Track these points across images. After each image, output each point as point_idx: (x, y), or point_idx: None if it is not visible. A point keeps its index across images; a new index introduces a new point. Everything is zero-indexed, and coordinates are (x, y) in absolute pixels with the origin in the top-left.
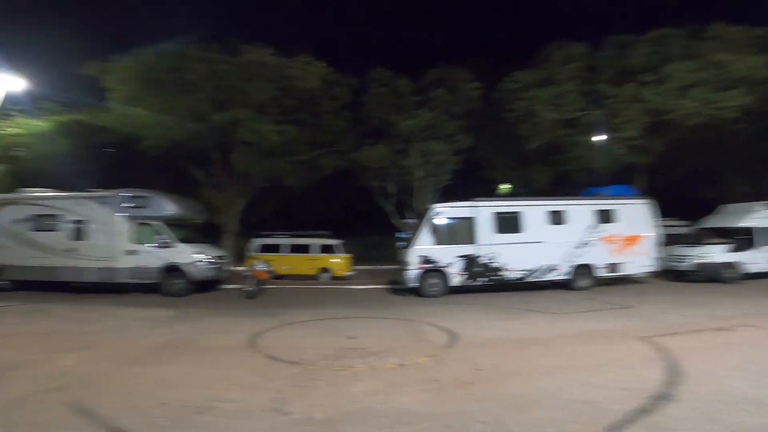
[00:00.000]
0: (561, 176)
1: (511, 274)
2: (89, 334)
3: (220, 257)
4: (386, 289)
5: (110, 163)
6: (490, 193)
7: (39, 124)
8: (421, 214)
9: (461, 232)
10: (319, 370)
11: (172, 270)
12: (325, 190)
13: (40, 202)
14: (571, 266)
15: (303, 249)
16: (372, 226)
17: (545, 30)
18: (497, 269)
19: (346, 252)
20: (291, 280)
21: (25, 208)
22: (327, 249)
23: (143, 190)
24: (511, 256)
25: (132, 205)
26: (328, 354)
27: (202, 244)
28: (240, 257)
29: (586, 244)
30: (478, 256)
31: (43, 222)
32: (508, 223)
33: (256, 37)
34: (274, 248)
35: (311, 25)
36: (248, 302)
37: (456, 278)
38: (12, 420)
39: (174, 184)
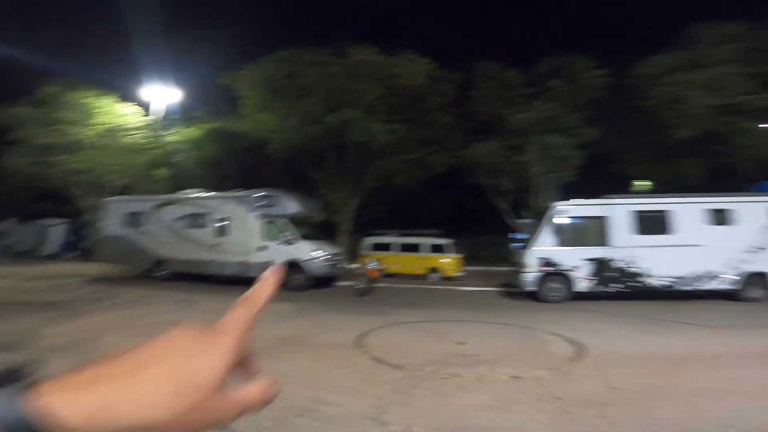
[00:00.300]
0: (718, 169)
1: (655, 281)
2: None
3: (335, 255)
4: (499, 292)
5: (246, 167)
6: (623, 190)
7: (191, 132)
8: (540, 213)
9: (590, 232)
10: (423, 376)
11: (294, 266)
12: (434, 189)
13: (192, 201)
14: (739, 274)
15: (413, 248)
16: (483, 226)
17: (671, 11)
18: (636, 275)
19: (457, 252)
20: (401, 279)
21: (181, 208)
22: (437, 248)
23: (271, 190)
24: (656, 260)
25: (262, 204)
26: (434, 359)
27: (320, 242)
28: (353, 255)
29: (761, 248)
30: (611, 260)
31: (196, 220)
32: (652, 224)
33: (360, 36)
34: (384, 247)
35: (411, 20)
36: (359, 300)
37: (582, 283)
38: None
39: (295, 184)
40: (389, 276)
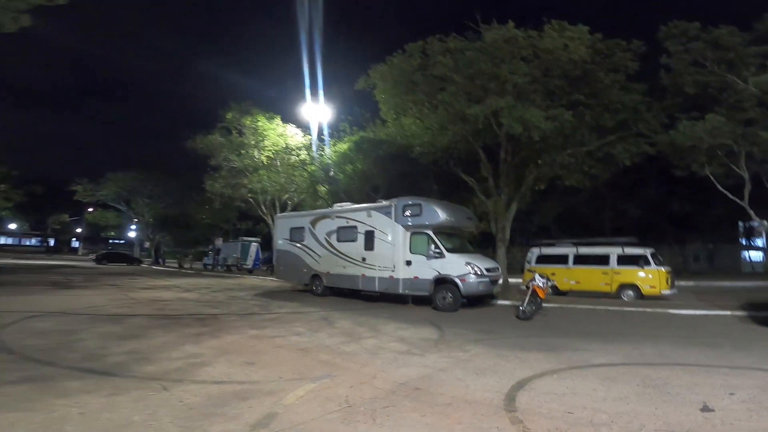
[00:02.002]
0: None
1: None
2: (344, 355)
3: (492, 269)
4: (741, 317)
5: (394, 176)
6: None
7: (340, 146)
8: None
9: None
10: None
11: (442, 282)
12: (619, 189)
13: (342, 214)
14: None
15: (597, 260)
16: (696, 230)
17: None
18: None
19: (661, 264)
20: (579, 299)
21: (333, 221)
22: (631, 260)
23: (416, 198)
24: None
25: (407, 213)
26: None
27: (474, 255)
28: (515, 269)
29: None
30: None
31: (344, 233)
32: None
33: (498, 15)
34: (556, 259)
35: None
36: (521, 325)
37: None
38: None
39: (447, 191)
40: (562, 293)
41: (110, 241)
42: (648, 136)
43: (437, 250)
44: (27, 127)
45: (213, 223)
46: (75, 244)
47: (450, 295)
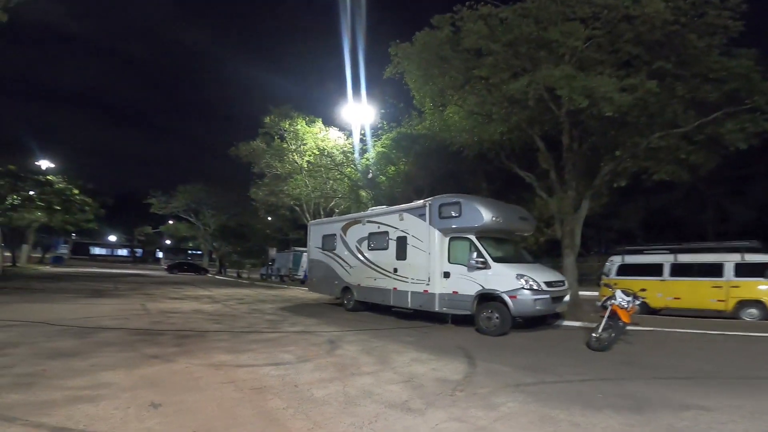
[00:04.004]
0: None
1: None
2: (305, 403)
3: (554, 283)
4: None
5: (439, 175)
6: None
7: (380, 147)
8: None
9: None
10: None
11: (487, 299)
12: (727, 184)
13: (373, 218)
14: None
15: (705, 270)
16: None
17: None
18: None
19: None
20: (679, 319)
21: (364, 227)
22: (754, 269)
23: (454, 196)
24: None
25: (444, 214)
26: None
27: (530, 265)
28: (589, 282)
29: None
30: None
31: (376, 240)
32: None
33: None
34: (646, 269)
35: None
36: (592, 359)
37: None
38: None
39: (503, 190)
40: (653, 312)
41: (188, 251)
42: (766, 112)
43: (481, 259)
44: (114, 143)
45: (267, 233)
46: (159, 254)
47: (497, 315)
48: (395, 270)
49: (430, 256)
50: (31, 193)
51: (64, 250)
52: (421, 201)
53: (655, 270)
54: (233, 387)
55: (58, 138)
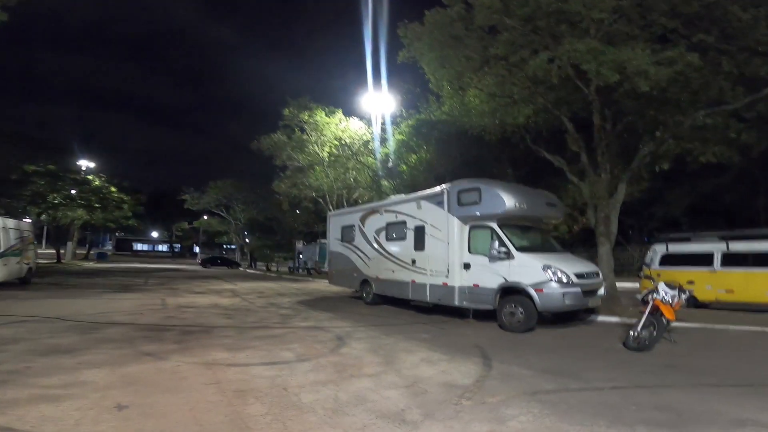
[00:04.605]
0: None
1: None
2: (288, 410)
3: (586, 275)
4: None
5: (459, 161)
6: None
7: (399, 135)
8: None
9: None
10: None
11: (511, 292)
12: None
13: (391, 207)
14: None
15: (761, 259)
16: None
17: None
18: None
19: None
20: (732, 314)
21: (382, 217)
22: None
23: (474, 181)
24: None
25: (462, 201)
26: None
27: (559, 255)
28: (628, 273)
29: None
30: None
31: (394, 230)
32: None
33: None
34: (693, 259)
35: None
36: (628, 361)
37: None
38: None
39: (531, 176)
40: (701, 306)
41: (223, 246)
42: None
43: (503, 249)
44: (149, 142)
45: (294, 227)
46: (196, 249)
47: (521, 310)
48: (413, 261)
49: (449, 247)
50: (73, 191)
51: (108, 246)
52: (439, 187)
53: (703, 260)
54: (216, 389)
55: (97, 139)
